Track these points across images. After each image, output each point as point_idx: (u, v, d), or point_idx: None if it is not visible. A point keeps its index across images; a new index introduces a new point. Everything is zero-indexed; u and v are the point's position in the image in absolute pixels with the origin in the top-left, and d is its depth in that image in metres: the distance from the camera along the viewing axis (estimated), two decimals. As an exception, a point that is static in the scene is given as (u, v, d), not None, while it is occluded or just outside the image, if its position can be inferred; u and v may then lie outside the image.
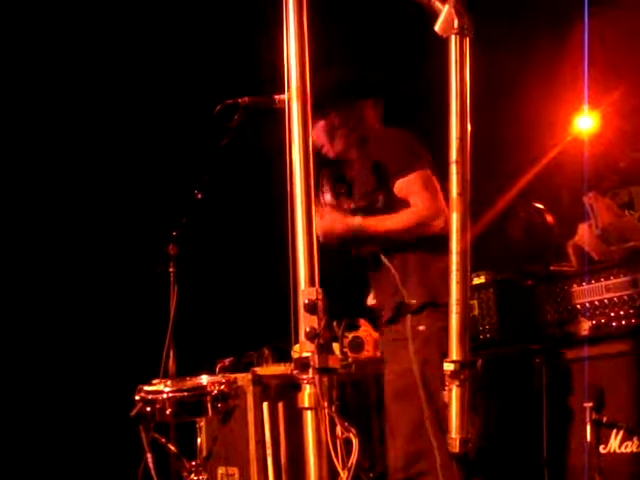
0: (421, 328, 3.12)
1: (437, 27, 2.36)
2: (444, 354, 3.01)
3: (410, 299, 3.15)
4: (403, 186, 3.19)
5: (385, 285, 3.26)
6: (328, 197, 3.39)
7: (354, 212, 3.27)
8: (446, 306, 3.11)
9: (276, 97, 3.12)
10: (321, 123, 3.39)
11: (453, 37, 2.35)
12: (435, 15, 2.36)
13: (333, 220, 3.24)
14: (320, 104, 3.30)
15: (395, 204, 3.21)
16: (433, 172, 3.20)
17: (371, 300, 3.56)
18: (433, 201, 3.13)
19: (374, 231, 3.21)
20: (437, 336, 3.09)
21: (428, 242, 3.18)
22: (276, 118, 2.59)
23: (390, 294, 3.22)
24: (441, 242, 3.17)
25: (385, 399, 3.24)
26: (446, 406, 3.00)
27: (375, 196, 3.24)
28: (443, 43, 2.50)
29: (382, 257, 3.24)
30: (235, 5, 5.59)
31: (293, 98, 2.37)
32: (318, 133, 3.40)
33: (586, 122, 5.15)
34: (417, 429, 3.03)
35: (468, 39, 2.40)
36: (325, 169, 3.44)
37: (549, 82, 5.15)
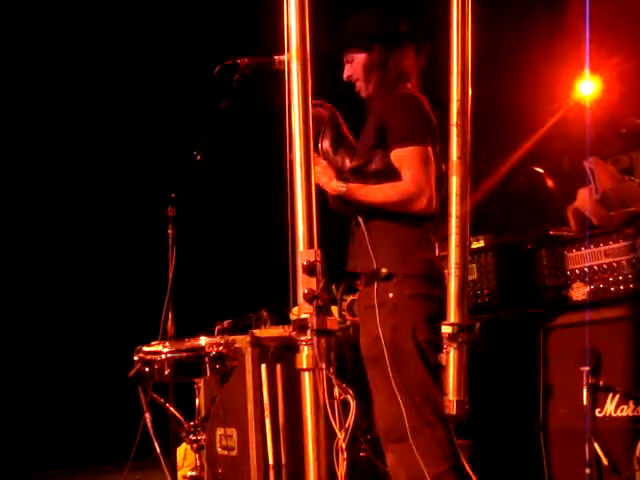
0: (390, 295, 3.12)
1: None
2: (431, 318, 3.03)
3: (379, 266, 3.14)
4: (399, 156, 3.15)
5: (359, 248, 3.26)
6: (326, 144, 3.33)
7: (347, 172, 3.25)
8: (417, 277, 3.12)
9: (276, 58, 3.10)
10: (362, 56, 3.33)
11: (455, -3, 2.33)
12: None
13: (324, 182, 3.22)
14: (367, 37, 3.30)
15: (388, 170, 3.18)
16: (436, 146, 3.17)
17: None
18: (422, 179, 3.10)
19: (358, 200, 3.20)
20: (406, 303, 3.10)
21: (409, 216, 3.17)
22: (276, 79, 2.57)
23: (363, 258, 3.21)
24: (423, 218, 3.17)
25: (365, 366, 3.26)
26: (422, 367, 3.03)
27: (371, 156, 3.22)
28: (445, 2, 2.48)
29: (359, 219, 3.24)
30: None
31: (293, 59, 2.35)
32: (356, 67, 3.35)
33: (588, 87, 5.13)
34: (391, 395, 3.05)
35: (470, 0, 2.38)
36: (335, 112, 3.38)
37: (551, 47, 5.12)
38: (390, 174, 3.17)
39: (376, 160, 3.20)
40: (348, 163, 3.27)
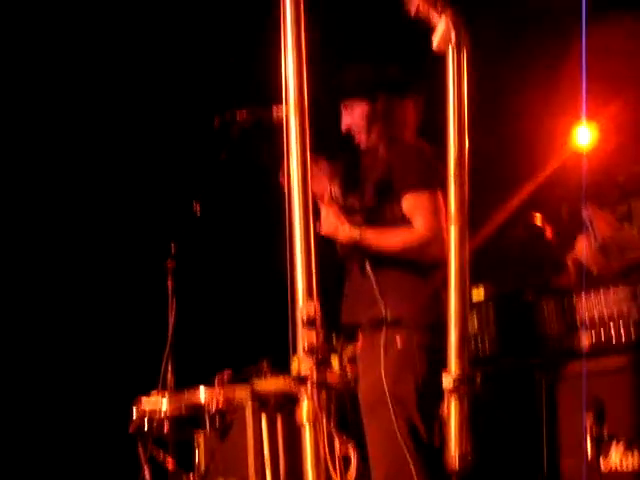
0: (397, 342, 3.09)
1: (434, 41, 2.36)
2: (436, 368, 3.00)
3: (387, 313, 3.10)
4: (410, 203, 3.13)
5: (363, 295, 3.20)
6: (335, 191, 3.30)
7: (357, 214, 3.21)
8: (425, 326, 3.09)
9: (274, 110, 3.12)
10: (365, 107, 3.26)
11: (450, 51, 2.34)
12: (432, 29, 2.36)
13: (337, 228, 3.18)
14: (370, 85, 3.26)
15: (399, 217, 3.16)
16: (444, 191, 3.17)
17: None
18: (436, 226, 3.08)
19: (371, 245, 3.16)
20: (412, 351, 3.07)
21: (418, 264, 3.15)
22: (275, 131, 2.59)
23: (367, 305, 3.17)
24: (431, 266, 3.14)
25: (361, 412, 3.22)
26: (420, 421, 3.00)
27: (383, 204, 3.19)
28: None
29: (367, 265, 3.19)
30: (234, 18, 5.61)
31: (291, 111, 2.36)
32: (358, 118, 3.28)
33: (585, 136, 5.17)
34: (390, 444, 3.01)
35: (466, 53, 2.39)
36: (340, 160, 3.35)
37: (548, 96, 5.16)
38: (400, 222, 3.15)
39: (387, 210, 3.18)
40: (358, 207, 3.24)
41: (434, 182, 3.13)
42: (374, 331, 3.15)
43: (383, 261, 3.16)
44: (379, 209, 3.20)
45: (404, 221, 3.16)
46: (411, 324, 3.09)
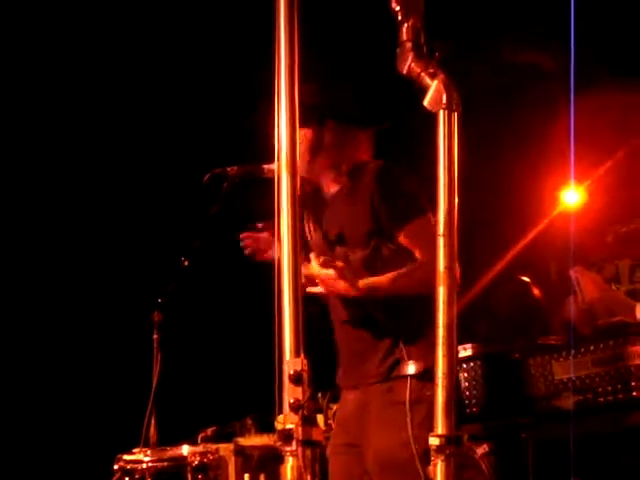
0: (429, 393, 2.96)
1: (426, 102, 2.38)
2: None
3: (411, 360, 2.91)
4: (410, 234, 2.94)
5: (372, 344, 2.99)
6: (316, 238, 3.12)
7: (357, 267, 3.07)
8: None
9: (265, 166, 3.11)
10: (308, 132, 2.98)
11: (441, 112, 2.36)
12: (424, 90, 2.38)
13: (344, 286, 2.91)
14: (317, 109, 2.94)
15: (399, 252, 2.98)
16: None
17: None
18: None
19: (386, 292, 2.94)
20: None
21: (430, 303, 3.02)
22: (265, 187, 2.59)
23: (381, 353, 2.96)
24: None
25: (373, 470, 3.08)
26: None
27: (375, 243, 3.00)
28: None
29: (381, 315, 2.97)
30: (226, 74, 5.67)
31: (282, 168, 2.36)
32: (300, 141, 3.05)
33: (573, 197, 5.21)
34: None
35: (456, 114, 2.41)
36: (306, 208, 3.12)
37: (536, 158, 5.22)
38: (402, 258, 2.97)
39: (383, 248, 3.00)
40: (351, 256, 3.05)
41: (427, 204, 2.91)
42: (389, 381, 2.95)
43: (397, 307, 2.96)
44: (375, 250, 3.01)
45: (405, 253, 2.98)
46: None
